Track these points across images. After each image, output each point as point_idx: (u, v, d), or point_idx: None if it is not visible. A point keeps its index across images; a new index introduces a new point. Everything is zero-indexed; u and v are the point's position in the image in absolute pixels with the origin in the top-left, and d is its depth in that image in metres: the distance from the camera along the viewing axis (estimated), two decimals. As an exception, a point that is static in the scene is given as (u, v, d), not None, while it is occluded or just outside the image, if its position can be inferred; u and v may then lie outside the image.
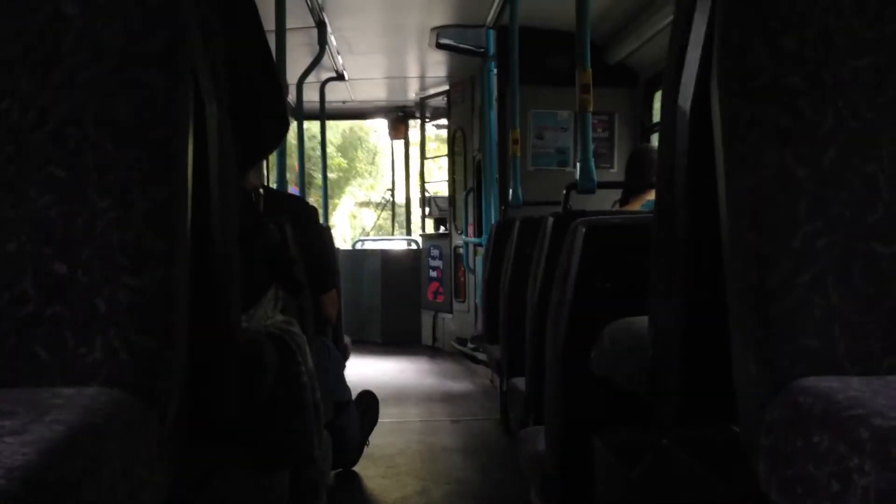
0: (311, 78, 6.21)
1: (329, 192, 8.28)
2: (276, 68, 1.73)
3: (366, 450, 3.74)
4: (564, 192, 2.96)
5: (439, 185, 8.91)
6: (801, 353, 0.89)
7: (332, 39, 6.07)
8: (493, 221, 5.66)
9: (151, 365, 0.89)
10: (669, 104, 1.26)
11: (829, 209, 0.92)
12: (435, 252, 8.37)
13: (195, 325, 1.06)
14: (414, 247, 9.32)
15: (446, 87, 8.11)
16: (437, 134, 9.41)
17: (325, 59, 6.18)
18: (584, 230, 2.09)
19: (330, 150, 14.34)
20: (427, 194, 8.94)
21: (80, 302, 0.89)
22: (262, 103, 1.68)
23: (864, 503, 0.70)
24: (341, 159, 20.56)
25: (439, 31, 6.33)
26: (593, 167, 3.16)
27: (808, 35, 0.96)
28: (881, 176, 0.94)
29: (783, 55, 0.96)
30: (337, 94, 8.38)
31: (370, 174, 21.80)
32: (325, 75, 7.33)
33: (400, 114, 9.45)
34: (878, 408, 0.75)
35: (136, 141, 0.92)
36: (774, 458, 0.86)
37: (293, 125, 6.46)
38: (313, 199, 12.01)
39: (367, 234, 10.93)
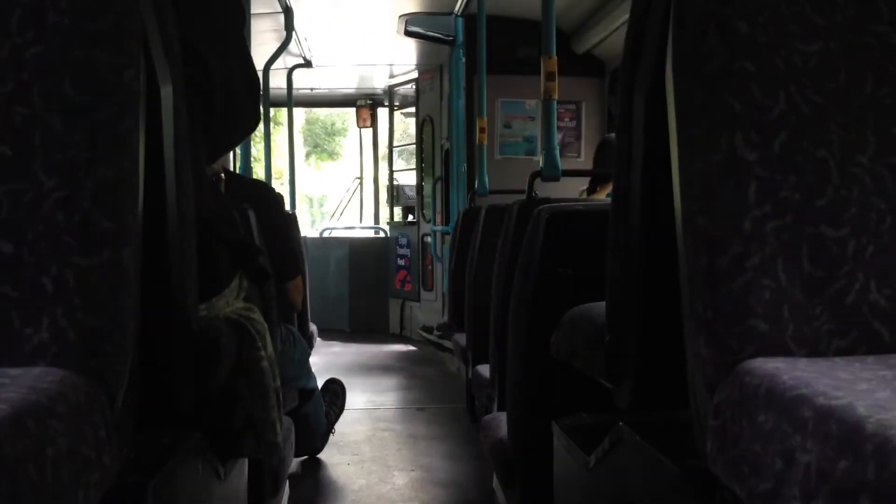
0: (278, 64, 6.16)
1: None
2: (251, 57, 1.72)
3: (331, 437, 3.74)
4: (528, 180, 2.97)
5: (407, 173, 8.88)
6: (750, 335, 0.90)
7: (299, 26, 6.02)
8: (460, 210, 5.67)
9: (100, 346, 0.88)
10: (627, 90, 1.27)
11: (778, 193, 0.93)
12: (403, 240, 8.35)
13: (149, 308, 1.05)
14: (382, 235, 9.29)
15: (415, 76, 8.08)
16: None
17: (293, 46, 6.13)
18: (546, 217, 2.10)
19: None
20: (395, 182, 8.92)
21: (26, 282, 0.88)
22: (238, 93, 1.67)
23: (806, 480, 0.71)
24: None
25: (408, 18, 6.31)
26: (557, 155, 3.17)
27: (760, 20, 0.97)
28: (831, 161, 0.96)
29: (736, 40, 0.96)
30: (304, 82, 8.32)
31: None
32: (292, 62, 7.27)
33: (368, 102, 9.41)
34: (821, 388, 0.76)
35: (85, 120, 0.91)
36: (722, 439, 0.87)
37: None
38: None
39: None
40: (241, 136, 1.81)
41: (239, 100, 1.68)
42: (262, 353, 1.71)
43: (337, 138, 20.90)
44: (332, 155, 21.14)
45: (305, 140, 19.86)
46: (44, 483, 0.68)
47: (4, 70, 0.91)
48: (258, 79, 1.77)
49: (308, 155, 20.85)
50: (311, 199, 21.15)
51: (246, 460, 1.76)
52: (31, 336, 0.87)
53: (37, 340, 0.87)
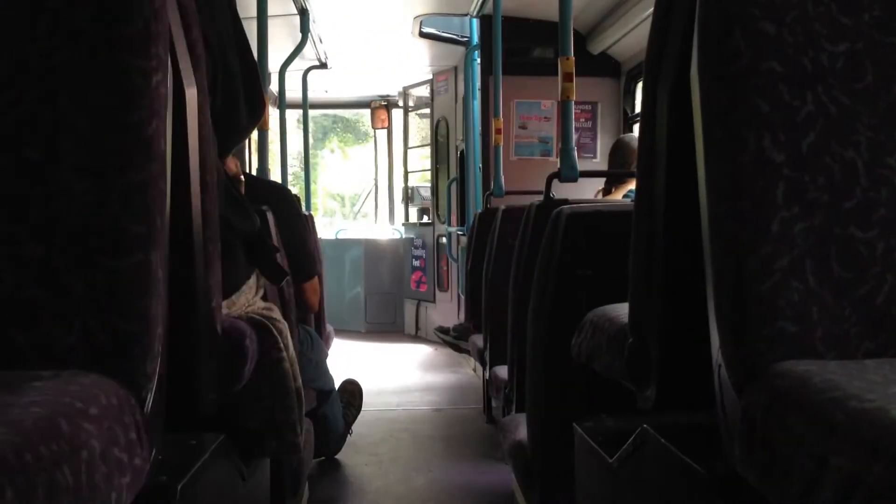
0: (293, 66, 6.18)
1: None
2: (249, 47, 1.71)
3: (349, 438, 3.74)
4: (546, 180, 2.96)
5: (423, 174, 8.89)
6: (779, 338, 0.90)
7: (314, 28, 6.03)
8: (475, 211, 5.67)
9: (130, 348, 0.89)
10: (650, 90, 1.27)
11: (806, 194, 0.93)
12: (418, 241, 8.36)
13: (175, 309, 1.06)
14: (397, 236, 9.31)
15: (430, 77, 8.09)
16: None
17: (308, 48, 6.14)
18: (565, 218, 2.10)
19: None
20: (410, 184, 8.93)
21: (57, 285, 0.88)
22: (237, 83, 1.66)
23: (839, 484, 0.70)
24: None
25: (423, 19, 6.32)
26: (575, 156, 3.16)
27: (786, 21, 0.97)
28: (859, 161, 0.95)
29: (762, 40, 0.96)
30: (320, 83, 8.34)
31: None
32: (307, 64, 7.28)
33: (383, 103, 9.42)
34: (853, 391, 0.75)
35: (114, 124, 0.92)
36: (751, 442, 0.87)
37: (276, 115, 6.43)
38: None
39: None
40: (246, 128, 1.81)
41: (240, 90, 1.67)
42: (284, 353, 1.72)
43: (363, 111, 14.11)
44: (359, 138, 15.73)
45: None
46: (78, 485, 0.69)
47: (33, 75, 0.92)
48: (257, 66, 1.77)
49: (327, 134, 16.17)
50: (342, 198, 16.64)
51: (268, 461, 1.77)
52: (62, 339, 0.88)
53: (67, 343, 0.87)
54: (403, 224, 9.13)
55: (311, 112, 8.09)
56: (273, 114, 6.35)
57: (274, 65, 5.75)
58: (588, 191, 4.41)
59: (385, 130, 9.69)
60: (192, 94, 1.13)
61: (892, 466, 0.65)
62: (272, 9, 4.60)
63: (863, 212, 0.93)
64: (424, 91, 8.36)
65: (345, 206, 15.57)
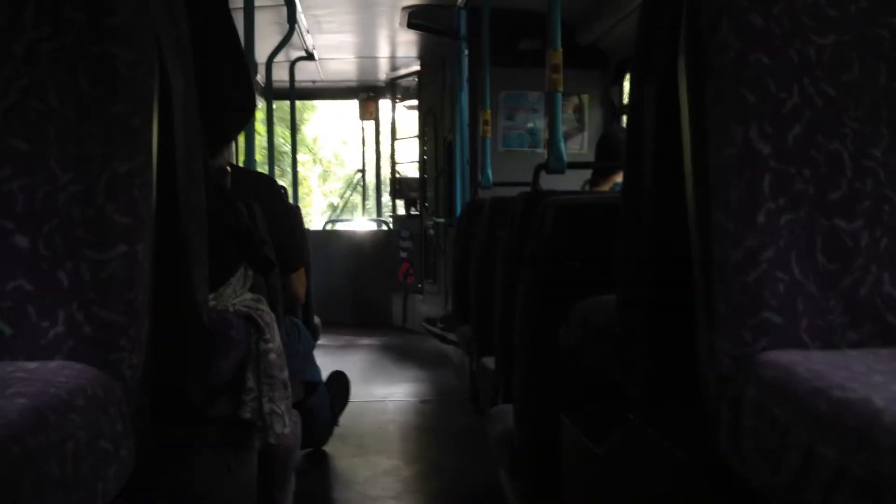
0: (280, 57, 6.15)
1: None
2: (241, 45, 1.71)
3: (336, 430, 3.74)
4: (534, 172, 2.96)
5: (410, 165, 8.87)
6: (764, 328, 0.90)
7: (301, 18, 6.00)
8: (463, 202, 5.67)
9: (115, 339, 0.89)
10: (638, 83, 1.27)
11: (792, 186, 0.93)
12: (405, 233, 8.35)
13: (161, 301, 1.05)
14: (385, 228, 9.30)
15: (417, 68, 8.07)
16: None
17: (295, 39, 6.11)
18: (553, 210, 2.10)
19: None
20: (397, 175, 8.92)
21: (42, 276, 0.88)
22: (228, 81, 1.66)
23: (824, 473, 0.71)
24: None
25: (411, 10, 6.29)
26: (563, 147, 3.16)
27: (774, 13, 0.97)
28: (844, 153, 0.96)
29: (750, 32, 0.96)
30: (307, 74, 8.31)
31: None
32: (294, 54, 7.26)
33: (371, 94, 9.39)
34: (837, 380, 0.76)
35: (99, 114, 0.91)
36: (736, 432, 0.87)
37: (263, 105, 6.40)
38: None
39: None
40: (238, 121, 1.80)
41: (231, 87, 1.67)
42: (271, 344, 1.72)
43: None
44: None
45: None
46: (65, 476, 0.68)
47: (20, 65, 0.92)
48: (247, 63, 1.76)
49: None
50: (362, 188, 11.40)
51: (256, 453, 1.77)
52: (48, 330, 0.87)
53: (53, 334, 0.87)
54: (391, 216, 9.12)
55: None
56: (260, 105, 6.33)
57: (260, 56, 5.72)
58: (575, 182, 4.42)
59: (373, 122, 9.66)
60: (178, 85, 1.12)
61: (876, 455, 0.65)
62: (259, -1, 4.58)
63: (848, 203, 0.94)
64: (412, 82, 8.34)
65: (368, 197, 12.65)
